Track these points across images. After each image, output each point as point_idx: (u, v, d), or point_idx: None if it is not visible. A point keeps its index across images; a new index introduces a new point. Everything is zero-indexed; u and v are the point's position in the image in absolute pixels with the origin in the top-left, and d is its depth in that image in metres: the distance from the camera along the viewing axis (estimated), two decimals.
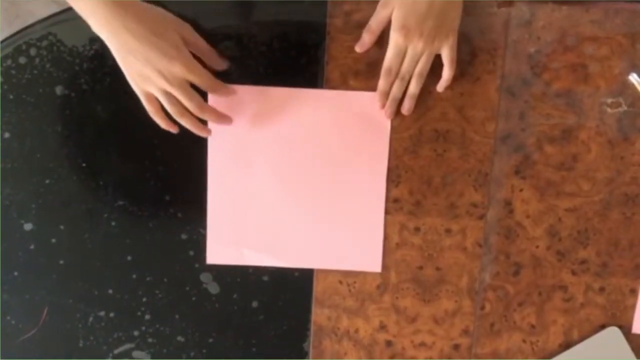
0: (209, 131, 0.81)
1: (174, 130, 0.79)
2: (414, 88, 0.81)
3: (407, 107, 0.82)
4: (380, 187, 0.84)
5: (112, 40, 0.74)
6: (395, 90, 0.81)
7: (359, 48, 0.81)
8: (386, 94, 0.82)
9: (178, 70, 0.75)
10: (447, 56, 0.80)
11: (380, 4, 0.78)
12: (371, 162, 0.84)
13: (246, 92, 0.82)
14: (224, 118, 0.81)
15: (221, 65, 0.82)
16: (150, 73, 0.75)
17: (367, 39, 0.80)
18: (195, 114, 0.78)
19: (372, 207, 0.85)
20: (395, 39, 0.78)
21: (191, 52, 0.77)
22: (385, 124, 0.83)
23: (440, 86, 0.82)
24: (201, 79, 0.77)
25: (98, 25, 0.73)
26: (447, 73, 0.81)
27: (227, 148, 0.83)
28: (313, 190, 0.85)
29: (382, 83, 0.81)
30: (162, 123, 0.79)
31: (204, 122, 0.81)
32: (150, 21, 0.75)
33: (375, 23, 0.79)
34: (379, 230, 0.85)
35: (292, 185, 0.85)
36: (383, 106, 0.82)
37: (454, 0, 0.76)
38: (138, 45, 0.74)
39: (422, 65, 0.80)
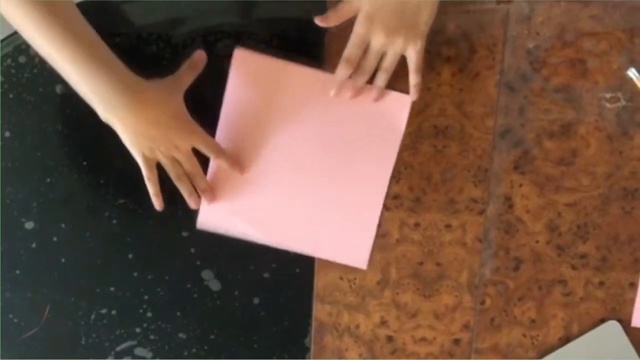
0: (199, 202, 0.84)
1: (158, 206, 0.82)
2: (380, 82, 0.80)
3: (376, 96, 0.81)
4: (382, 185, 0.84)
5: (126, 130, 0.75)
6: (355, 82, 0.80)
7: (319, 21, 0.77)
8: (340, 84, 0.80)
9: (194, 142, 0.79)
10: (412, 61, 0.78)
11: None
12: (378, 159, 0.84)
13: (271, 64, 0.81)
14: (211, 192, 0.84)
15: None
16: (163, 146, 0.78)
17: (331, 19, 0.77)
18: (192, 177, 0.82)
19: (370, 203, 0.85)
20: (357, 29, 0.76)
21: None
22: (401, 124, 0.83)
23: (411, 94, 0.80)
24: (211, 147, 0.80)
25: (111, 117, 0.74)
26: (412, 78, 0.79)
27: (236, 128, 0.83)
28: (316, 175, 0.85)
29: (339, 72, 0.79)
30: (154, 190, 0.81)
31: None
32: (168, 104, 0.76)
33: (345, 8, 0.76)
34: (372, 227, 0.85)
35: (296, 167, 0.84)
36: (336, 94, 0.81)
37: (427, 2, 0.75)
38: (157, 130, 0.76)
39: (388, 63, 0.78)
